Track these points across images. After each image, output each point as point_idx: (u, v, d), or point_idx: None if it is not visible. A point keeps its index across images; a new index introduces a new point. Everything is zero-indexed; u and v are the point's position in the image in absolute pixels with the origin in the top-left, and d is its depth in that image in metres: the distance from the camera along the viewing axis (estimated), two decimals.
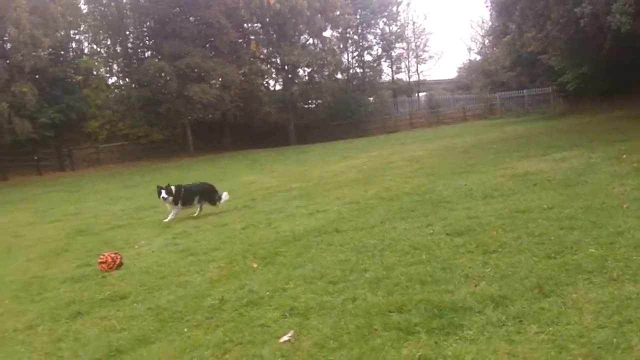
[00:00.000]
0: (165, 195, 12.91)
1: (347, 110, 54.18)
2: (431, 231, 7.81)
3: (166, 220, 12.91)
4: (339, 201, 12.34)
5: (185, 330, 5.42)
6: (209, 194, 13.64)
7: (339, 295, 5.68)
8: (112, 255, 8.76)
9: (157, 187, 13.20)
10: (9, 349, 5.80)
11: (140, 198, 19.88)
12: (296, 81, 53.34)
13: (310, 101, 56.54)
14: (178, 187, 13.23)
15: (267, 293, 6.12)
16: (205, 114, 48.89)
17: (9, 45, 40.16)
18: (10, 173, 38.97)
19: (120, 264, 8.67)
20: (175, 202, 13.04)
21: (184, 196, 13.20)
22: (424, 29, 76.22)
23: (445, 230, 7.74)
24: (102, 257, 8.78)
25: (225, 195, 13.80)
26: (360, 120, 54.76)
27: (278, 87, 55.98)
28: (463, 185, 11.54)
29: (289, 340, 4.69)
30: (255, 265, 7.48)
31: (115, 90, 49.91)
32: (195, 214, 13.41)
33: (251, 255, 8.16)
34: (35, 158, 40.66)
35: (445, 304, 4.95)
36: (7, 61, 39.07)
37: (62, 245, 11.53)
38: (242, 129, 51.40)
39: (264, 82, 55.09)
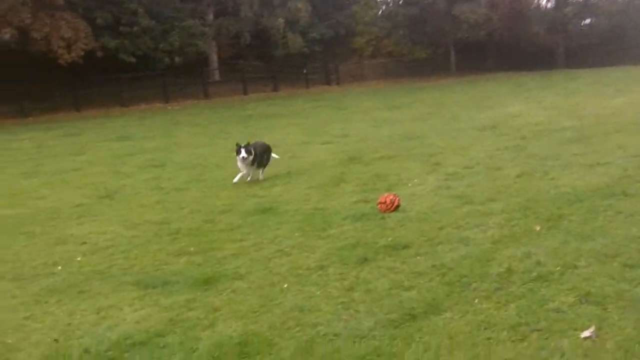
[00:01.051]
0: (245, 155, 11.70)
1: (624, 35, 49.96)
2: None
3: (236, 180, 12.10)
4: (622, 152, 11.54)
5: (476, 301, 5.44)
6: (269, 155, 12.77)
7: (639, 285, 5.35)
8: (391, 197, 9.00)
9: (237, 145, 11.91)
10: (305, 289, 6.22)
11: (405, 123, 20.19)
12: (570, 0, 50.11)
13: (583, 23, 52.92)
14: (255, 146, 12.17)
15: (557, 269, 5.92)
16: (471, 33, 47.82)
17: None
18: (281, 85, 41.39)
19: (398, 206, 8.89)
20: (252, 163, 12.01)
21: (260, 156, 12.20)
22: None
23: None
24: (381, 197, 9.07)
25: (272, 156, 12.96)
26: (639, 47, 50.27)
27: (549, 7, 53.00)
28: None
29: (590, 336, 4.52)
30: (537, 229, 7.28)
31: (383, 7, 50.41)
32: (248, 179, 12.25)
33: (532, 214, 7.94)
34: (304, 71, 42.68)
35: None
36: None
37: (337, 174, 12.05)
38: (506, 50, 49.63)
39: (535, 1, 52.43)
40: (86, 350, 5.17)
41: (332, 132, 18.91)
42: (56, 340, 5.47)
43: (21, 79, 32.88)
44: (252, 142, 12.39)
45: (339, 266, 6.79)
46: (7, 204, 11.70)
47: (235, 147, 11.90)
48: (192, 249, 7.92)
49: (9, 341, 5.58)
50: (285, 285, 6.35)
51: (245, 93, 39.21)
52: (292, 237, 8.05)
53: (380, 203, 8.96)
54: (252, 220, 9.08)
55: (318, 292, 6.09)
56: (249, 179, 12.11)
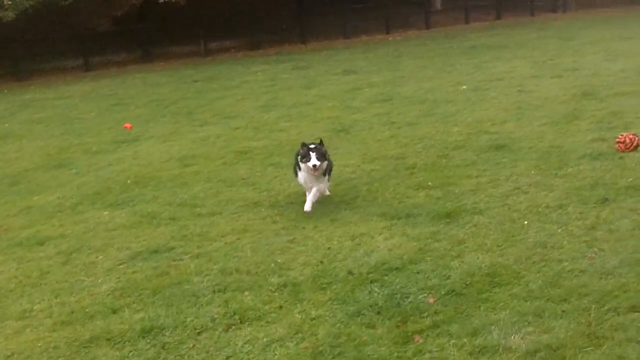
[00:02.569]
0: (318, 163, 7.50)
1: None
2: None
3: (308, 208, 7.83)
4: None
5: None
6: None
7: None
8: (631, 136, 8.83)
9: (303, 145, 7.76)
10: (546, 226, 6.49)
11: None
12: None
13: None
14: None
15: None
16: None
17: None
18: (504, 13, 40.16)
19: (638, 146, 8.73)
20: (324, 172, 7.83)
21: (328, 160, 7.90)
22: None
23: None
24: (620, 136, 8.93)
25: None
26: None
27: None
28: None
29: None
30: None
31: None
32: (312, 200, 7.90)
33: None
34: (530, 1, 41.04)
35: None
36: None
37: (570, 111, 11.84)
38: None
39: None
40: (350, 272, 5.88)
41: (561, 65, 18.29)
42: (322, 262, 6.23)
43: (252, 13, 34.86)
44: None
45: (578, 205, 6.95)
46: (253, 137, 12.82)
47: (300, 149, 7.75)
48: (430, 183, 8.40)
49: (279, 260, 6.44)
50: (526, 222, 6.65)
51: (466, 22, 38.55)
52: (529, 174, 8.25)
53: (618, 142, 8.84)
54: (487, 156, 9.34)
55: (559, 230, 6.34)
56: (312, 200, 7.86)
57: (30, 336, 5.40)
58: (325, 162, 7.64)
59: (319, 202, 8.00)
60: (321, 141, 7.86)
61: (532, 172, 8.34)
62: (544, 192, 7.51)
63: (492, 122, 11.65)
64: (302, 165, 7.68)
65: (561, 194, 7.35)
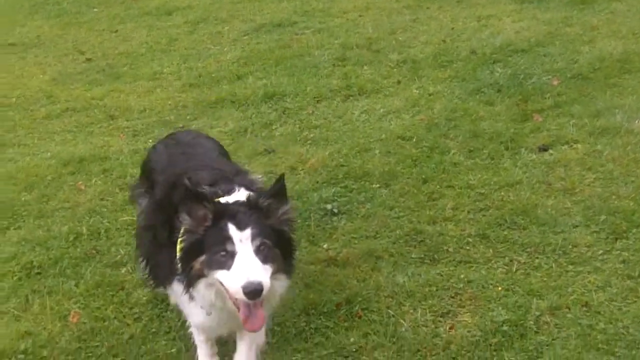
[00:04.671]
0: (266, 282, 2.19)
1: None
2: None
3: None
4: None
5: None
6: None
7: None
8: None
9: (193, 197, 2.27)
10: None
11: None
12: None
13: None
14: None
15: None
16: None
17: None
18: None
19: None
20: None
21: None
22: None
23: None
24: None
25: None
26: None
27: None
28: None
29: None
30: None
31: None
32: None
33: None
34: None
35: None
36: None
37: None
38: None
39: None
40: (473, 52, 5.75)
41: None
42: (444, 41, 6.11)
43: None
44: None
45: None
46: None
47: (182, 210, 2.35)
48: None
49: (401, 38, 6.37)
50: None
51: None
52: None
53: None
54: None
55: None
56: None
57: (160, 95, 5.70)
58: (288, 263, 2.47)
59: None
60: (281, 180, 2.43)
61: None
62: None
63: None
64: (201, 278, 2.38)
65: None
